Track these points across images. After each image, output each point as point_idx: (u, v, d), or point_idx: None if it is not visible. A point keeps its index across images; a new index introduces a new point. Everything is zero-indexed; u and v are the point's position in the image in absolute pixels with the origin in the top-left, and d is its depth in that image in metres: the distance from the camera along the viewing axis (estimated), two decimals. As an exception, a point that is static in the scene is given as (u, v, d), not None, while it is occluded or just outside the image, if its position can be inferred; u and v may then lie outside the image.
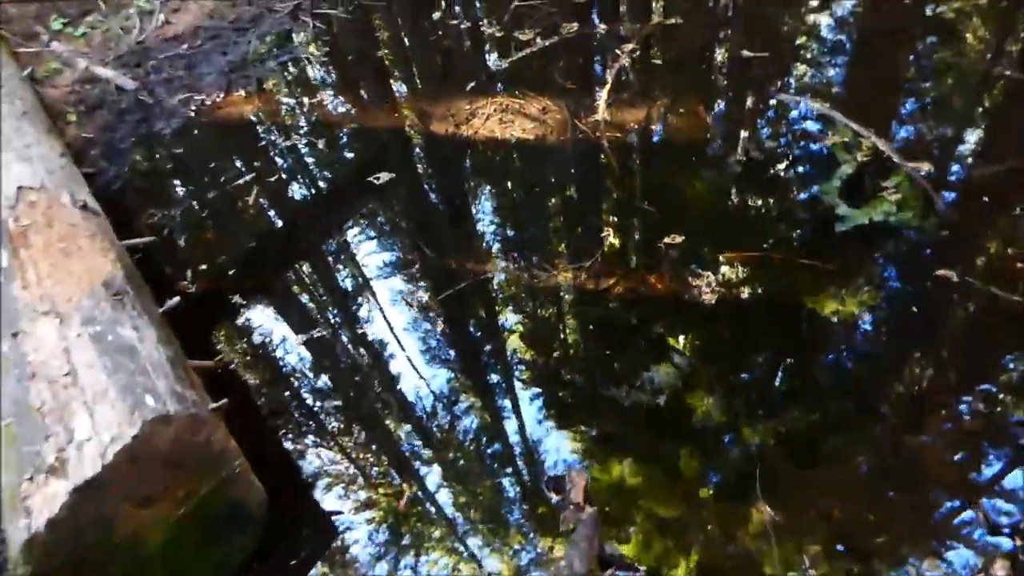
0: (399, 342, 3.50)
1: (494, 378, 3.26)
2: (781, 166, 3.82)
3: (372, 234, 4.23)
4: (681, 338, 3.11)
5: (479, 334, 3.54)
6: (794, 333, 3.05)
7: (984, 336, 2.93)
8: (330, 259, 4.14)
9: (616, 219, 3.83)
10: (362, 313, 3.74)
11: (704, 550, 2.37)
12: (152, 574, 2.22)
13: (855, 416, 2.71)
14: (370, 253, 4.11)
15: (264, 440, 3.10)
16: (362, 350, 3.54)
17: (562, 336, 3.40)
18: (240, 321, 3.66)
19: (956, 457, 2.51)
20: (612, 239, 3.61)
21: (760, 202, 3.72)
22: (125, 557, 2.14)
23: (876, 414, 2.69)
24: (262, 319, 3.75)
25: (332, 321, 3.74)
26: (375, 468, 2.96)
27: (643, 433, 2.81)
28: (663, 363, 3.01)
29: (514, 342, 3.37)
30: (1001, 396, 2.64)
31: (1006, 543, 2.23)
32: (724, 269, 3.32)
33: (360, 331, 3.59)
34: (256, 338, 3.65)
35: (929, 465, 2.47)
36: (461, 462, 2.91)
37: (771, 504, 2.40)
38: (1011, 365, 2.76)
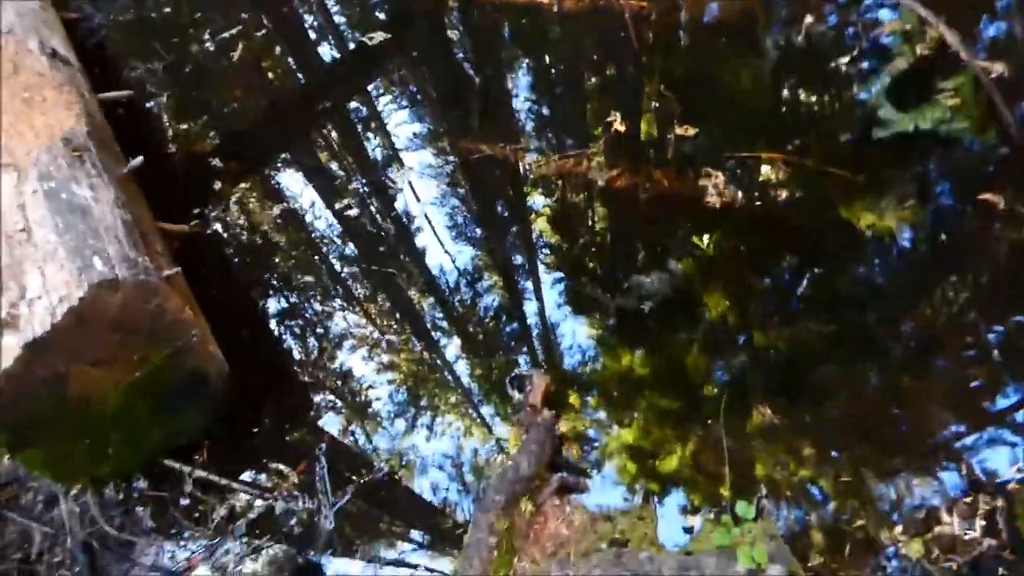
0: (376, 214, 3.39)
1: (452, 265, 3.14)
2: (827, 56, 3.29)
3: (365, 99, 3.97)
4: (705, 237, 2.88)
5: (454, 214, 3.38)
6: (818, 243, 2.80)
7: (1019, 271, 2.60)
8: (326, 123, 3.93)
9: (630, 103, 3.44)
10: (352, 184, 3.59)
11: (700, 442, 2.37)
12: (106, 436, 2.29)
13: (871, 332, 2.54)
14: (361, 119, 3.89)
15: (239, 311, 3.09)
16: (346, 222, 3.43)
17: (569, 226, 3.20)
18: (224, 185, 3.56)
19: (971, 384, 2.35)
20: (619, 124, 3.27)
21: (794, 97, 3.26)
22: (79, 417, 2.19)
23: (894, 333, 2.52)
24: (247, 184, 3.64)
25: (322, 191, 3.61)
26: (346, 347, 2.95)
27: (656, 327, 2.73)
28: (681, 260, 2.83)
29: (540, 225, 3.23)
30: None
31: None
32: (738, 169, 2.99)
33: (347, 203, 3.47)
34: (240, 204, 3.56)
35: (938, 388, 2.36)
36: (426, 350, 2.88)
37: (772, 407, 2.38)
38: None
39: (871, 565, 2.04)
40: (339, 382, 2.88)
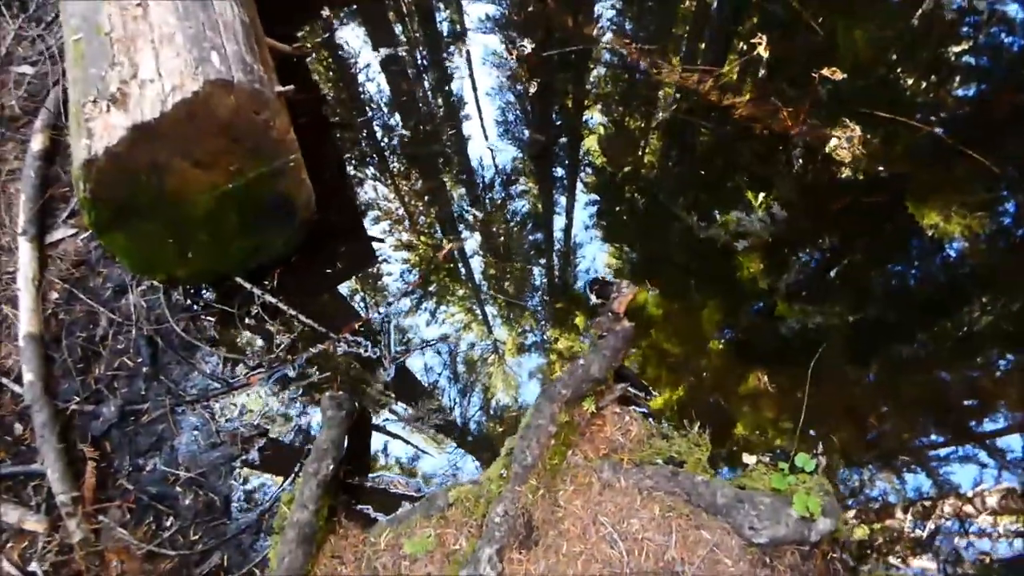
0: (478, 97, 3.22)
1: (560, 172, 3.01)
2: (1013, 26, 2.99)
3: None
4: (783, 189, 2.74)
5: (563, 118, 3.20)
6: (898, 229, 2.67)
7: None
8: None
9: (771, 30, 3.16)
10: (452, 51, 3.38)
11: (689, 389, 2.39)
12: (191, 238, 2.27)
13: (892, 331, 2.50)
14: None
15: (326, 149, 3.01)
16: (444, 93, 3.26)
17: (653, 145, 3.04)
18: (331, 11, 3.34)
19: (967, 402, 2.35)
20: (761, 50, 3.01)
21: (956, 57, 2.98)
22: (170, 212, 2.17)
23: (912, 336, 2.48)
24: (352, 23, 3.43)
25: (421, 51, 3.40)
26: (423, 216, 2.89)
27: (689, 269, 2.67)
28: (752, 209, 2.71)
29: (597, 137, 3.05)
30: None
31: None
32: (874, 127, 2.79)
33: (447, 70, 3.28)
34: (341, 41, 3.37)
35: (935, 401, 2.37)
36: (505, 238, 2.82)
37: (770, 375, 2.38)
38: None
39: (910, 531, 2.10)
40: (415, 242, 2.82)
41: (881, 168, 2.75)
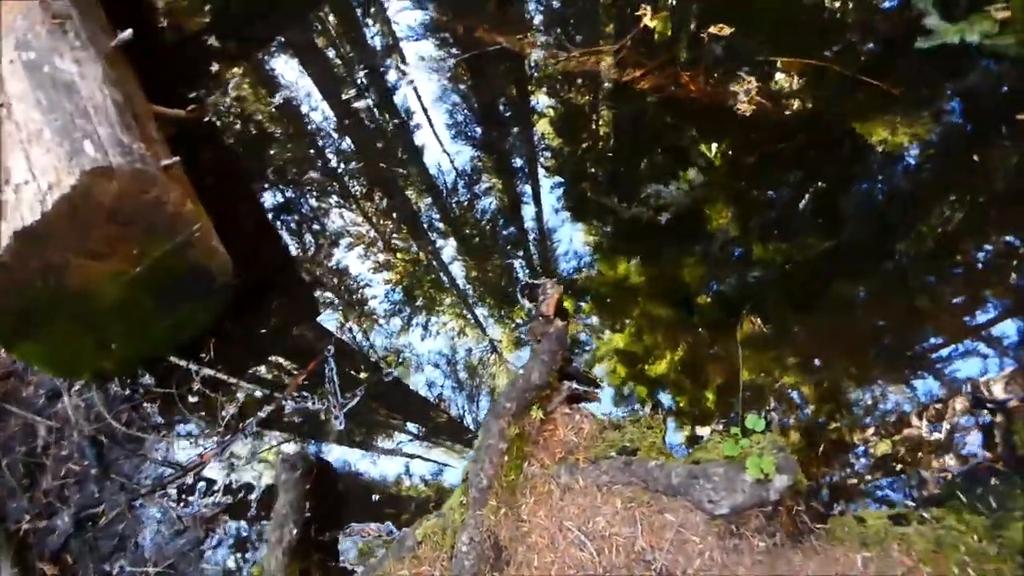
0: (376, 107, 3.22)
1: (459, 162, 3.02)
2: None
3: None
4: (713, 146, 2.77)
5: (465, 108, 3.21)
6: (833, 157, 2.71)
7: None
8: (335, 7, 3.64)
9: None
10: (353, 75, 3.37)
11: (689, 348, 2.41)
12: (109, 330, 2.22)
13: (869, 250, 2.52)
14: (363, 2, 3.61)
15: (242, 204, 2.97)
16: (358, 112, 3.24)
17: (577, 126, 3.05)
18: (221, 67, 3.30)
19: (956, 300, 2.38)
20: (649, 20, 3.03)
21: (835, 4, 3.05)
22: (79, 310, 2.12)
23: (890, 253, 2.50)
24: (246, 67, 3.39)
25: (321, 80, 3.38)
26: (349, 245, 2.86)
27: (655, 236, 2.68)
28: (688, 169, 2.74)
29: (539, 123, 3.07)
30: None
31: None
32: (772, 74, 2.82)
33: (348, 94, 3.26)
34: (242, 88, 3.32)
35: (926, 302, 2.39)
36: (437, 264, 2.81)
37: (762, 317, 2.40)
38: None
39: (874, 468, 2.12)
40: (346, 281, 2.81)
41: (786, 111, 2.78)
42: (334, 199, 3.03)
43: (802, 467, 2.10)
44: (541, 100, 3.18)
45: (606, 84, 3.08)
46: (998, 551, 1.74)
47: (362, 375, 2.53)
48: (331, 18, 3.70)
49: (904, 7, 2.89)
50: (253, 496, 2.33)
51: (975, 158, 2.58)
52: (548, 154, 3.03)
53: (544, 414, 2.18)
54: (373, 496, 2.35)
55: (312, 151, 3.15)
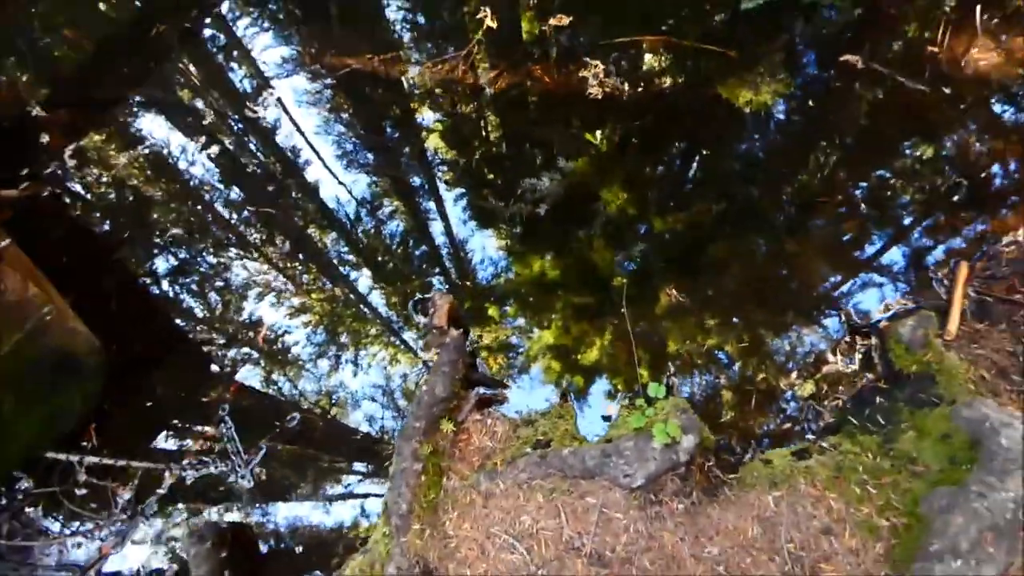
0: (263, 147, 3.09)
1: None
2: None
3: (218, 22, 3.50)
4: (593, 130, 2.83)
5: (341, 141, 3.14)
6: (708, 124, 2.84)
7: (883, 124, 2.75)
8: (174, 55, 3.45)
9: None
10: (221, 120, 3.22)
11: (616, 329, 2.43)
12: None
13: (757, 204, 2.64)
14: (218, 46, 3.45)
15: (107, 275, 2.76)
16: (239, 159, 3.10)
17: (459, 138, 3.04)
18: (54, 138, 3.06)
19: (845, 237, 2.54)
20: (491, 20, 3.06)
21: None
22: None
23: (779, 204, 2.64)
24: (90, 133, 3.17)
25: (202, 129, 3.21)
26: (231, 303, 2.73)
27: (555, 228, 2.70)
28: (557, 158, 2.78)
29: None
30: (892, 182, 2.58)
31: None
32: (618, 56, 2.91)
33: (235, 138, 3.13)
34: (93, 156, 3.10)
35: (817, 246, 2.53)
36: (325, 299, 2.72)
37: (677, 287, 2.47)
38: (906, 152, 2.64)
39: (774, 410, 2.20)
40: (228, 334, 2.67)
41: (640, 87, 2.87)
42: (232, 252, 2.89)
43: (735, 423, 2.18)
44: (425, 115, 3.17)
45: (463, 91, 3.09)
46: (891, 464, 1.85)
47: (266, 427, 2.40)
48: (191, 68, 3.52)
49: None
50: (165, 579, 2.16)
51: (829, 104, 2.77)
52: (444, 168, 3.02)
53: (455, 425, 2.15)
54: (298, 548, 2.24)
55: (197, 206, 2.99)
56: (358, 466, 2.43)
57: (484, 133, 3.04)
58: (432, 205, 2.92)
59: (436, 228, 2.84)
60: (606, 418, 2.18)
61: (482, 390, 2.26)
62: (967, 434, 1.79)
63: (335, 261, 2.83)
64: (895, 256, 2.48)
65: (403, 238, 2.85)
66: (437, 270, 2.76)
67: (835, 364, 2.27)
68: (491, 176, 2.91)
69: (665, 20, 2.98)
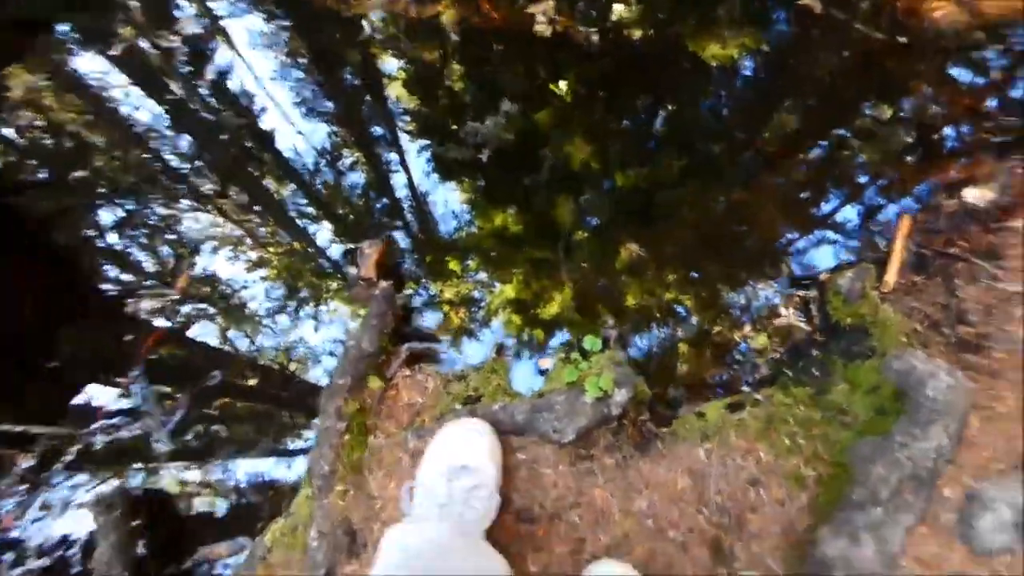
0: (215, 94, 2.84)
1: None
2: None
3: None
4: (561, 83, 2.69)
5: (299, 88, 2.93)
6: (674, 76, 2.74)
7: (841, 78, 2.68)
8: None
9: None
10: (181, 61, 2.95)
11: (576, 285, 2.39)
12: None
13: (721, 160, 2.58)
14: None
15: (35, 234, 2.52)
16: (187, 105, 2.86)
17: (423, 81, 2.85)
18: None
19: (802, 194, 2.51)
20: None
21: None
22: None
23: (740, 160, 2.57)
24: (21, 60, 2.86)
25: (147, 72, 2.95)
26: (172, 253, 2.54)
27: (522, 183, 2.60)
28: (502, 101, 2.64)
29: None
30: (848, 137, 2.54)
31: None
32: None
33: (184, 82, 2.87)
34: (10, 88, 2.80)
35: (777, 200, 2.49)
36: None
37: (637, 242, 2.41)
38: (863, 109, 2.59)
39: (716, 363, 2.20)
40: (151, 286, 2.50)
41: (593, 28, 2.72)
42: (185, 203, 2.70)
43: (676, 376, 2.14)
44: (386, 61, 2.97)
45: (410, 24, 2.88)
46: (822, 415, 1.84)
47: (187, 385, 2.26)
48: (131, 2, 3.19)
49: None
50: (73, 551, 2.03)
51: (791, 57, 2.68)
52: (407, 118, 2.86)
53: (384, 381, 2.05)
54: (221, 513, 2.13)
55: (143, 154, 2.75)
56: (293, 424, 2.33)
57: (441, 76, 2.86)
58: (395, 156, 2.79)
59: (399, 180, 2.73)
60: (542, 372, 2.11)
61: (413, 344, 2.16)
62: (895, 385, 1.78)
63: (293, 213, 2.70)
64: (848, 213, 2.45)
65: (365, 190, 2.73)
66: (399, 223, 2.64)
67: (787, 317, 2.25)
68: (452, 124, 2.76)
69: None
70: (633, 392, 1.85)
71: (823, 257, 2.34)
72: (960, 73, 2.62)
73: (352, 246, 2.38)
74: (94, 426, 2.17)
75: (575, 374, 1.89)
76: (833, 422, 1.81)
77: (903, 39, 2.64)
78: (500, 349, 2.15)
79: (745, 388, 2.09)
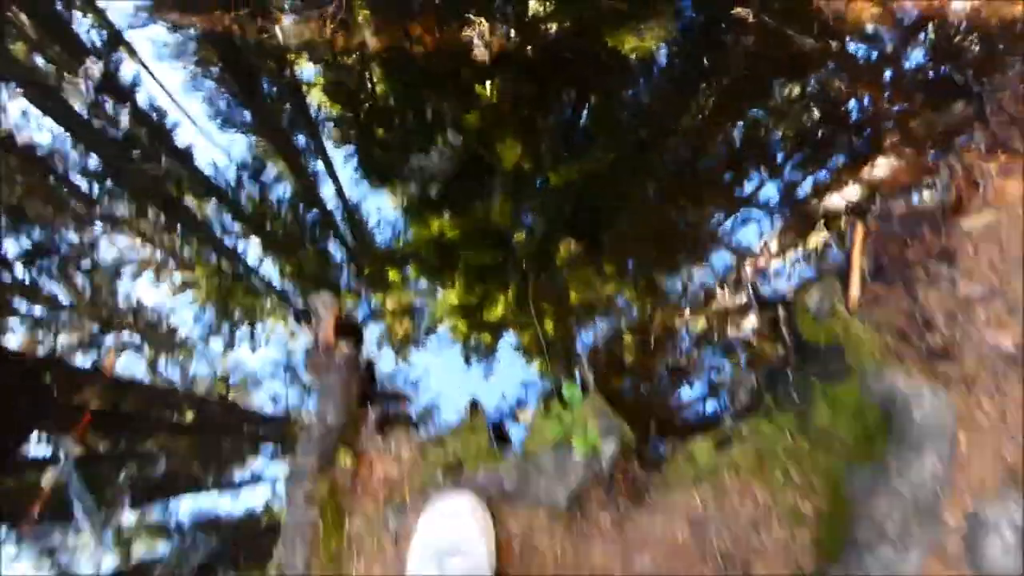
0: (122, 108, 2.56)
1: None
2: None
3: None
4: (486, 86, 2.58)
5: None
6: (596, 72, 2.68)
7: (772, 73, 2.69)
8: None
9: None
10: (82, 77, 2.64)
11: (518, 286, 2.35)
12: None
13: (646, 148, 2.57)
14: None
15: None
16: (91, 123, 2.57)
17: (347, 98, 2.69)
18: None
19: (727, 177, 2.55)
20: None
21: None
22: None
23: (665, 145, 2.59)
24: None
25: (44, 89, 2.65)
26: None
27: (457, 187, 2.52)
28: (462, 129, 2.52)
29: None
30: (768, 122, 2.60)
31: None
32: (503, 9, 2.64)
33: (87, 98, 2.60)
34: None
35: (705, 187, 2.53)
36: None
37: (575, 238, 2.40)
38: (783, 91, 2.63)
39: (672, 348, 2.23)
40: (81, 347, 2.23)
41: (528, 45, 2.62)
42: (97, 228, 2.46)
43: (649, 404, 2.09)
44: (306, 70, 2.78)
45: (338, 50, 2.69)
46: (810, 443, 1.81)
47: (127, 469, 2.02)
48: (22, 18, 2.83)
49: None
50: None
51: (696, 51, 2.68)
52: (330, 124, 2.72)
53: (354, 454, 1.88)
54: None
55: (47, 178, 2.45)
56: (237, 454, 2.16)
57: (368, 96, 2.70)
58: (321, 166, 2.66)
59: (327, 190, 2.61)
60: (518, 424, 2.00)
61: (383, 408, 2.00)
62: (878, 407, 1.78)
63: (218, 232, 2.54)
64: (795, 213, 2.47)
65: (292, 202, 2.60)
66: (331, 233, 2.54)
67: (723, 299, 2.29)
68: (381, 133, 2.62)
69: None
70: (620, 442, 1.77)
71: (750, 235, 2.40)
72: (899, 71, 2.69)
73: (302, 307, 2.18)
74: (20, 534, 1.91)
75: (559, 430, 1.79)
76: (822, 449, 1.79)
77: (833, 42, 2.67)
78: (475, 405, 2.02)
79: (727, 418, 2.05)
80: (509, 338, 2.30)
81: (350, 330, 2.13)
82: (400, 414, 2.05)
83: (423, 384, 2.19)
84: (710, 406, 2.12)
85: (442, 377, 2.21)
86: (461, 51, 2.61)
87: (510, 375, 2.21)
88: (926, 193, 2.36)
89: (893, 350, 1.97)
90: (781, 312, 2.17)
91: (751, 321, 2.26)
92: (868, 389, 1.81)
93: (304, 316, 2.16)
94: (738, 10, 2.67)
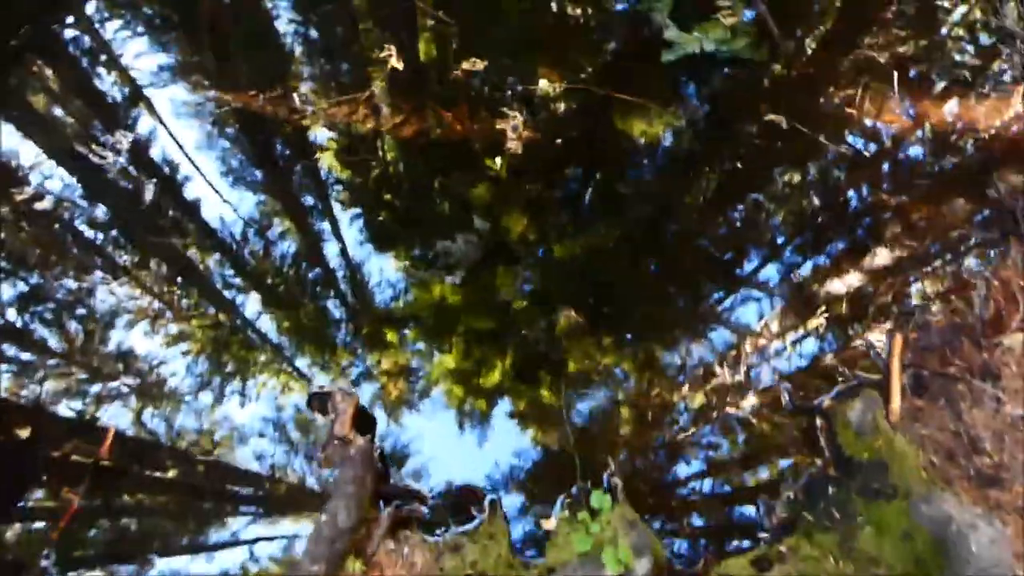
0: (136, 162, 2.62)
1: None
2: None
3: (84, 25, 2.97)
4: (499, 162, 2.65)
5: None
6: (605, 153, 2.76)
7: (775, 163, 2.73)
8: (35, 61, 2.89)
9: (403, 34, 2.93)
10: (100, 130, 2.73)
11: (517, 352, 2.33)
12: None
13: (649, 226, 2.62)
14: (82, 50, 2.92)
15: None
16: (106, 174, 2.62)
17: (362, 159, 2.73)
18: None
19: (726, 256, 2.56)
20: (396, 60, 2.76)
21: (578, 18, 3.02)
22: None
23: (667, 224, 2.64)
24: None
25: (63, 141, 2.70)
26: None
27: (472, 286, 2.51)
28: (473, 215, 2.55)
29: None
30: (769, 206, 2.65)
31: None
32: (531, 103, 2.72)
33: (102, 151, 2.65)
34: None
35: (704, 262, 2.55)
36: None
37: (575, 309, 2.37)
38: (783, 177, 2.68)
39: (667, 423, 2.17)
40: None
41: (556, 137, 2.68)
42: (97, 276, 2.44)
43: (682, 515, 1.97)
44: (319, 134, 2.83)
45: (365, 134, 2.76)
46: (854, 567, 1.69)
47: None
48: (47, 72, 2.95)
49: (643, 21, 2.92)
50: None
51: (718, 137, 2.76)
52: (339, 187, 2.76)
53: (365, 560, 1.76)
54: None
55: (55, 225, 2.50)
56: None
57: (385, 178, 2.73)
58: (327, 226, 2.68)
59: (331, 249, 2.62)
60: (544, 532, 1.87)
61: (396, 506, 1.89)
62: (930, 533, 1.66)
63: (219, 285, 2.53)
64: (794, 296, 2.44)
65: (295, 260, 2.60)
66: (332, 292, 2.52)
67: (723, 376, 2.21)
68: (396, 219, 2.64)
69: (585, 66, 2.80)
70: (653, 559, 1.65)
71: (750, 310, 2.39)
72: (926, 183, 2.70)
73: (320, 391, 2.11)
74: None
75: (588, 542, 1.68)
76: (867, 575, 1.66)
77: (867, 153, 2.71)
78: (494, 507, 1.91)
79: (763, 535, 1.92)
80: (504, 405, 2.25)
81: (365, 422, 2.05)
82: (415, 513, 1.92)
83: (415, 447, 2.11)
84: (744, 519, 1.99)
85: (435, 442, 2.13)
86: (496, 140, 2.66)
87: (503, 443, 2.13)
88: (963, 306, 2.32)
89: (940, 469, 1.87)
90: (819, 421, 2.07)
91: (751, 400, 2.20)
92: (918, 511, 1.70)
93: (319, 402, 2.08)
94: (771, 116, 2.71)
